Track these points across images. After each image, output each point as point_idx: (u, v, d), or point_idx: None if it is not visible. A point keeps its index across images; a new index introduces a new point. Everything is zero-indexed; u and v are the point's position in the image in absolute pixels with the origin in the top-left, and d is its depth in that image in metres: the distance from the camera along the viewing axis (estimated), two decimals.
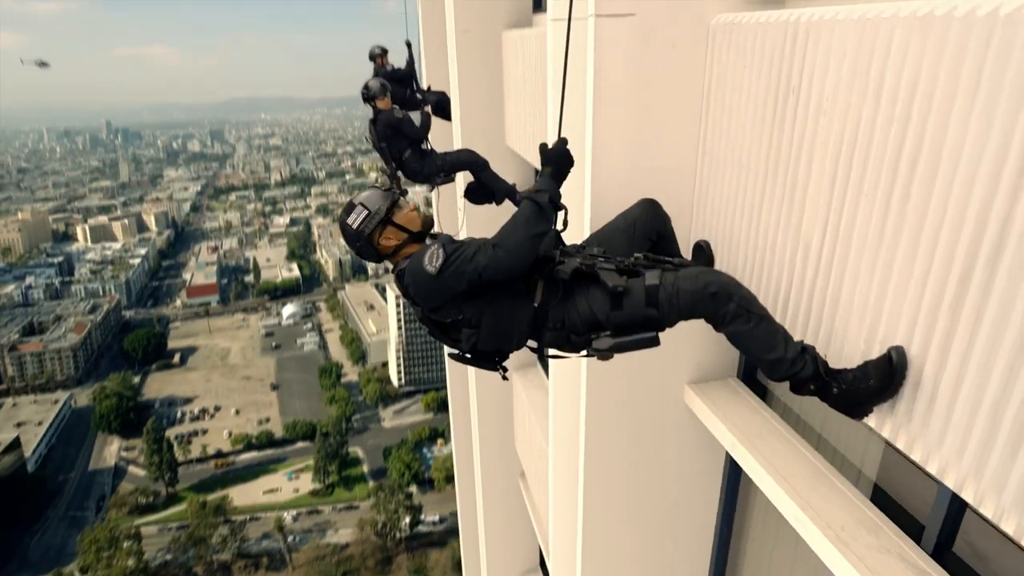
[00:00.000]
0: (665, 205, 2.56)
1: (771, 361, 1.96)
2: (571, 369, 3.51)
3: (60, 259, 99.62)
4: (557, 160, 2.05)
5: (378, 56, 7.48)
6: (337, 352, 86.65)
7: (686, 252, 2.87)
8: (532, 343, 2.18)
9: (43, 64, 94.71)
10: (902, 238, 1.75)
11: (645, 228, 2.37)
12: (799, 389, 1.97)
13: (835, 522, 2.37)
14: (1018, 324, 1.46)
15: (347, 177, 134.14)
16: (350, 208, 2.14)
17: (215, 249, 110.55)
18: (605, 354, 2.02)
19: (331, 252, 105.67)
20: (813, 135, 2.04)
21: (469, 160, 5.15)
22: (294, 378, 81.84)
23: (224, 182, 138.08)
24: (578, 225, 2.75)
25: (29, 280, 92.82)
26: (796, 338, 2.04)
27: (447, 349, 2.27)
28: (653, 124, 2.72)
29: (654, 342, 2.01)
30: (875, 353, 1.88)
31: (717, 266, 2.74)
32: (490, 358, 2.18)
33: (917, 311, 1.73)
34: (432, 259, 1.96)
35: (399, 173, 5.24)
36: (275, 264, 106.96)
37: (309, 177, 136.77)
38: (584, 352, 2.10)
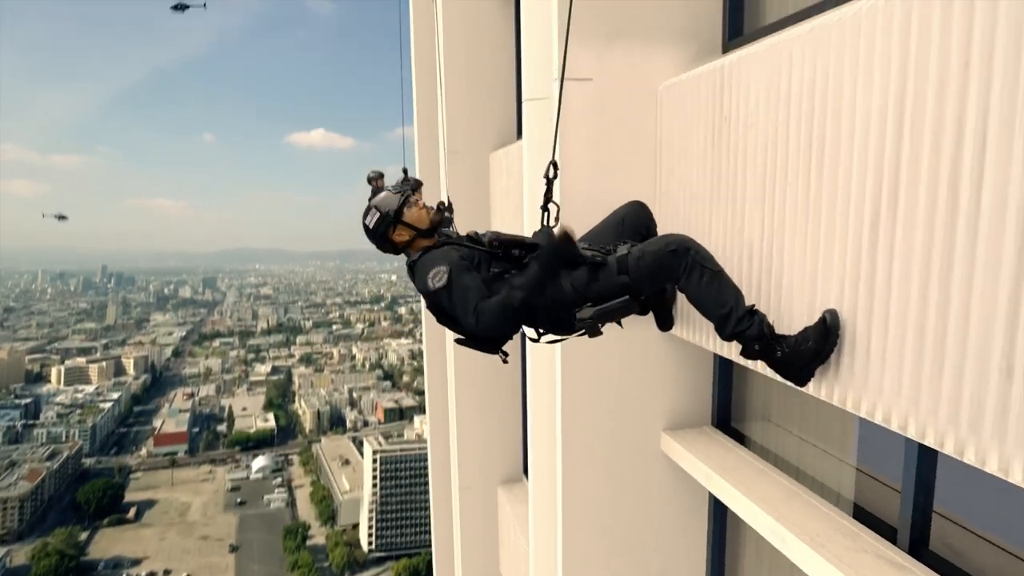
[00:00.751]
0: None
1: (721, 316, 2.09)
2: (546, 429, 3.53)
3: (28, 400, 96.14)
4: (542, 251, 2.21)
5: (374, 179, 8.14)
6: (306, 511, 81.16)
7: None
8: (531, 333, 2.32)
9: (62, 217, 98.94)
10: (822, 212, 1.99)
11: (635, 223, 2.57)
12: (747, 350, 2.08)
13: (811, 530, 2.34)
14: (919, 265, 1.66)
15: (334, 327, 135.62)
16: (367, 211, 2.39)
17: (190, 396, 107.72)
18: (589, 325, 2.15)
19: (310, 403, 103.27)
20: (744, 148, 2.37)
21: None
22: (256, 538, 75.61)
23: (210, 328, 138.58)
24: None
25: None
26: None
27: (452, 335, 2.40)
28: (614, 172, 3.08)
29: (628, 306, 2.15)
30: (814, 319, 2.03)
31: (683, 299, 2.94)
32: (493, 341, 2.31)
33: (842, 275, 1.93)
34: (435, 279, 2.16)
35: None
36: (251, 413, 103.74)
37: (296, 326, 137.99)
38: (576, 332, 2.22)
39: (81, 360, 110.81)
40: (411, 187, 2.38)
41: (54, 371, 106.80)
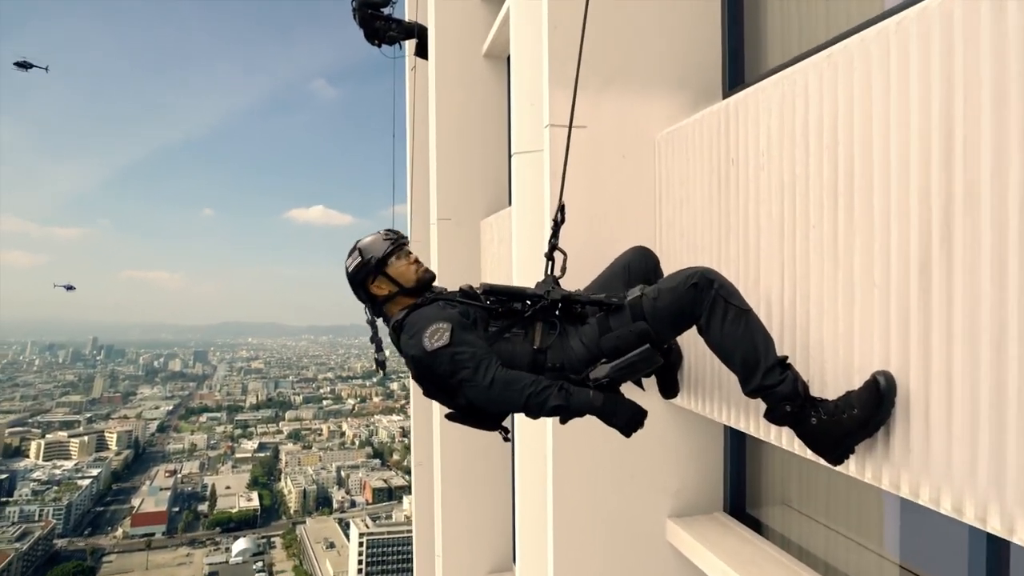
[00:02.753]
0: None
1: (747, 365, 1.75)
2: (536, 515, 3.10)
3: (3, 476, 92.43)
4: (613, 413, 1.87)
5: None
6: None
7: None
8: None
9: (70, 288, 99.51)
10: (855, 257, 1.70)
11: (640, 269, 2.27)
12: (774, 411, 1.72)
13: None
14: (988, 313, 1.35)
15: (324, 403, 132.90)
16: (351, 250, 2.10)
17: (172, 473, 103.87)
18: (604, 385, 1.81)
19: (296, 481, 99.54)
20: (756, 191, 2.11)
21: None
22: None
23: (198, 402, 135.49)
24: None
25: None
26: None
27: (443, 409, 2.05)
28: (610, 224, 2.82)
29: (651, 357, 1.80)
30: (855, 384, 1.69)
31: (691, 368, 2.59)
32: (491, 416, 1.98)
33: (886, 330, 1.61)
34: (434, 337, 1.84)
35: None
36: (235, 492, 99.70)
37: (285, 401, 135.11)
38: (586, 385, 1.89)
39: (63, 434, 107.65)
40: (403, 240, 2.10)
41: (33, 445, 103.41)
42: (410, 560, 7.78)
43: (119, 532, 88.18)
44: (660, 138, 2.82)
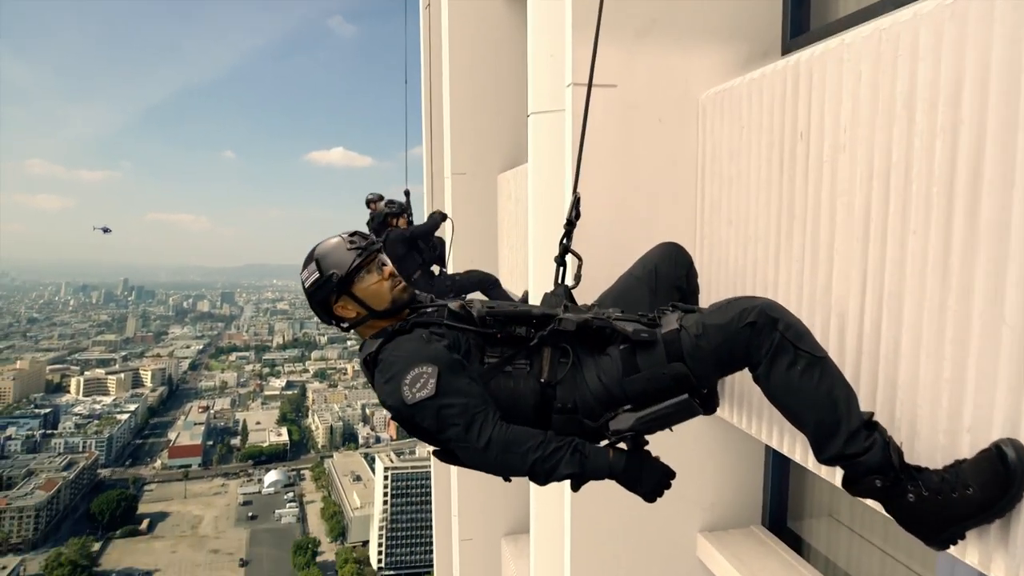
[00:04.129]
0: None
1: (824, 428, 1.37)
2: (552, 527, 2.83)
3: (47, 411, 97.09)
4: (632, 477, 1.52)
5: (373, 202, 7.66)
6: (316, 526, 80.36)
7: None
8: None
9: (107, 230, 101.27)
10: (976, 281, 1.28)
11: (669, 274, 1.87)
12: (857, 484, 1.35)
13: None
14: None
15: (348, 343, 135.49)
16: (307, 259, 1.68)
17: (205, 409, 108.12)
18: (629, 438, 1.46)
19: (323, 418, 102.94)
20: (833, 177, 1.67)
21: (479, 280, 4.91)
22: (266, 553, 74.91)
23: (227, 342, 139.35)
24: None
25: (10, 431, 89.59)
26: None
27: (429, 447, 1.72)
28: (642, 204, 2.40)
29: (689, 408, 1.45)
30: (964, 449, 1.31)
31: (735, 381, 2.21)
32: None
33: (1021, 384, 1.21)
34: (416, 386, 1.46)
35: None
36: (265, 427, 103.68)
37: (311, 341, 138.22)
38: (605, 442, 1.54)
39: (100, 371, 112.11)
40: (374, 247, 1.67)
41: (73, 382, 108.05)
42: (431, 493, 7.74)
43: (158, 463, 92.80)
44: (705, 100, 2.35)
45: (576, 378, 1.57)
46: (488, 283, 4.87)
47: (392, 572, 69.65)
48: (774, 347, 1.36)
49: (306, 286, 1.66)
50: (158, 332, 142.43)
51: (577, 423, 1.56)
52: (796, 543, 2.56)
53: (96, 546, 72.32)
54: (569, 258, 1.88)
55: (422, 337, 1.54)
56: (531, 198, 2.97)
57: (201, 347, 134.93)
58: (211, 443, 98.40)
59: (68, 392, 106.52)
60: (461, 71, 6.12)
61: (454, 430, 1.44)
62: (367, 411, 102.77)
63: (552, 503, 2.79)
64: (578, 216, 1.87)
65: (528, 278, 5.10)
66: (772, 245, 1.94)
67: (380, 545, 71.33)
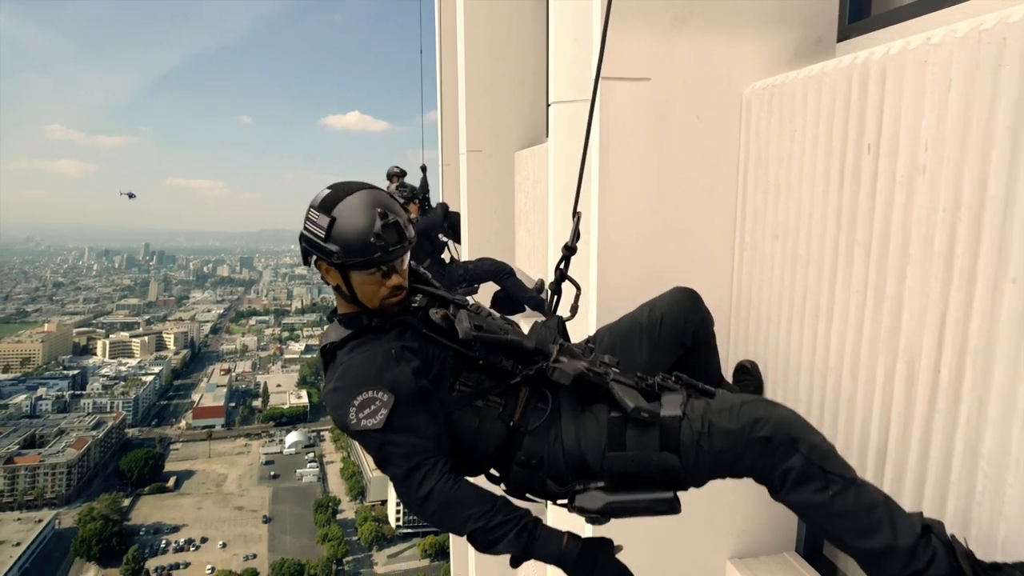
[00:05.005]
0: None
1: (871, 552, 1.20)
2: None
3: (76, 372, 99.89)
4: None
5: (395, 175, 7.47)
6: (336, 486, 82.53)
7: (726, 375, 2.18)
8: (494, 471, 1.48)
9: (132, 196, 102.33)
10: None
11: (676, 329, 1.69)
12: None
13: None
14: None
15: None
16: (328, 202, 1.37)
17: (227, 372, 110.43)
18: (594, 518, 1.31)
19: None
20: (907, 204, 1.43)
21: (492, 269, 4.70)
22: (288, 511, 77.29)
23: (247, 306, 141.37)
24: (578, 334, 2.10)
25: (41, 391, 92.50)
26: (908, 508, 1.29)
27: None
28: (675, 211, 2.17)
29: (670, 506, 1.31)
30: None
31: (769, 398, 2.03)
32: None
33: None
34: (363, 412, 1.29)
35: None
36: (285, 390, 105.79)
37: (329, 306, 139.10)
38: (565, 504, 1.38)
39: (125, 334, 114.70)
40: (396, 254, 1.41)
41: (99, 344, 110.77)
42: None
43: (182, 424, 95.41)
44: (750, 95, 2.09)
45: (551, 431, 1.39)
46: (502, 272, 4.66)
47: (409, 530, 71.62)
48: (798, 473, 1.20)
49: (306, 228, 1.40)
50: (180, 296, 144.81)
51: (538, 481, 1.39)
52: (832, 572, 2.40)
53: (126, 502, 75.08)
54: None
55: (391, 353, 1.35)
56: (551, 196, 2.75)
57: (222, 311, 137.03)
58: (233, 405, 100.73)
59: (95, 354, 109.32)
60: (477, 43, 5.80)
61: (394, 470, 1.29)
62: None
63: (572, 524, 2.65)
64: (578, 238, 1.66)
65: (547, 274, 4.91)
66: (827, 270, 1.72)
67: (398, 505, 73.23)
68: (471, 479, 1.37)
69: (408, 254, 1.44)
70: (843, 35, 2.12)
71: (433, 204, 7.58)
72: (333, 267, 1.41)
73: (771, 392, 2.01)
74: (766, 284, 2.02)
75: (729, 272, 2.21)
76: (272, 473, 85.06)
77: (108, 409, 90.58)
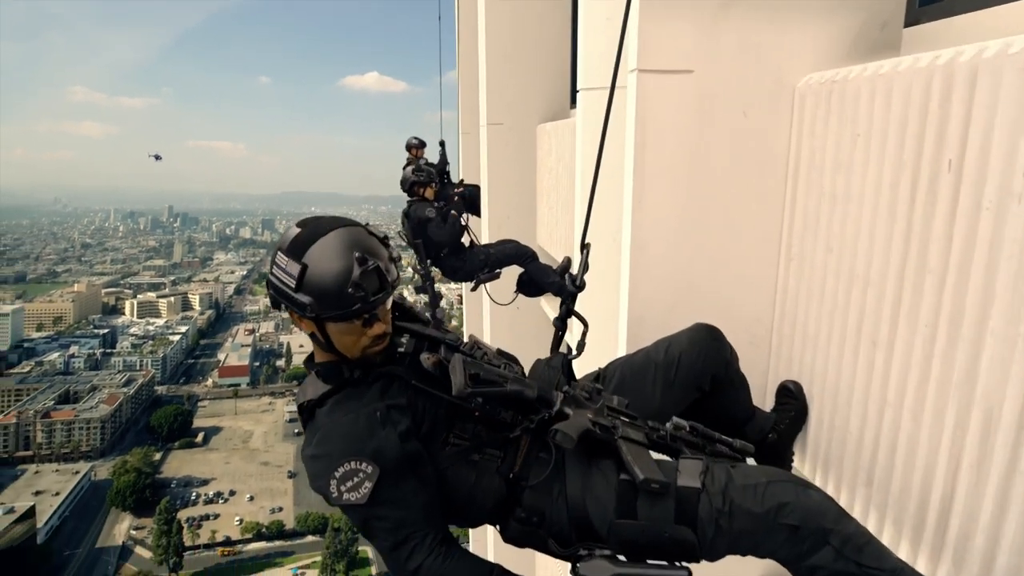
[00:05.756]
0: (733, 328, 1.76)
1: None
2: None
3: (106, 331, 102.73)
4: None
5: (415, 147, 7.27)
6: None
7: (762, 397, 2.03)
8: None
9: (158, 157, 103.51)
10: None
11: (693, 370, 1.56)
12: None
13: None
14: None
15: None
16: (297, 246, 1.24)
17: (251, 332, 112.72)
18: None
19: None
20: (996, 235, 1.25)
21: (515, 253, 4.54)
22: None
23: (269, 268, 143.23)
24: (607, 354, 1.96)
25: (73, 349, 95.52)
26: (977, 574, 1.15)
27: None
28: (716, 215, 1.99)
29: None
30: None
31: (814, 426, 1.87)
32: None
33: None
34: (346, 484, 1.18)
35: (433, 271, 4.61)
36: (307, 350, 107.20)
37: None
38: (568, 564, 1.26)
39: (152, 295, 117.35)
40: (376, 303, 1.27)
41: (128, 304, 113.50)
42: None
43: (209, 382, 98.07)
44: (804, 88, 1.88)
45: (554, 487, 1.26)
46: (525, 256, 4.50)
47: None
48: (829, 572, 1.09)
49: (273, 274, 1.26)
50: (203, 258, 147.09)
51: (539, 539, 1.28)
52: None
53: (157, 456, 77.95)
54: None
55: (375, 415, 1.22)
56: (578, 188, 2.57)
57: (245, 273, 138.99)
58: (258, 364, 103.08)
59: (123, 314, 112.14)
60: (499, 10, 5.51)
61: (381, 544, 1.18)
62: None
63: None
64: (586, 269, 1.50)
65: (573, 266, 4.74)
66: (890, 296, 1.54)
67: None
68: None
69: (391, 298, 1.29)
70: (912, 19, 1.88)
71: (453, 178, 7.41)
72: (305, 317, 1.27)
73: (816, 420, 1.86)
74: (815, 300, 1.84)
75: (772, 282, 2.04)
76: (296, 430, 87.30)
77: (138, 367, 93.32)
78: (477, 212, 6.49)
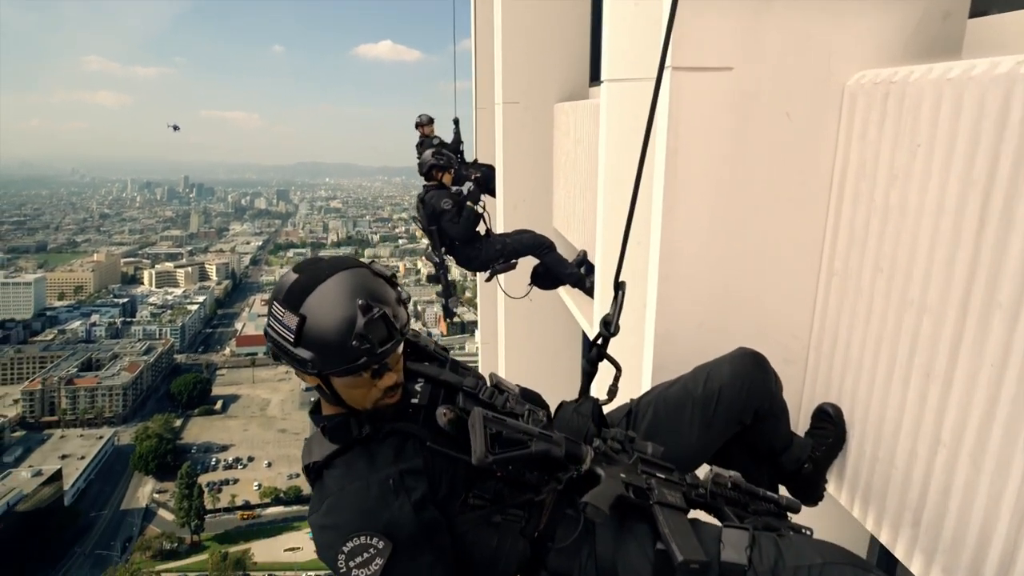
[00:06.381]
0: (768, 344, 1.63)
1: None
2: None
3: (125, 300, 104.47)
4: None
5: (424, 124, 7.08)
6: None
7: (795, 416, 1.90)
8: None
9: (176, 128, 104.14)
10: None
11: (735, 406, 1.43)
12: None
13: None
14: None
15: (400, 242, 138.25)
16: (293, 295, 1.13)
17: (267, 302, 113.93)
18: None
19: None
20: None
21: (531, 243, 4.39)
22: None
23: (284, 239, 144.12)
24: (632, 372, 1.83)
25: (94, 318, 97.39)
26: None
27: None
28: (752, 222, 1.84)
29: None
30: None
31: (854, 454, 1.74)
32: None
33: None
34: (353, 559, 1.08)
35: (447, 260, 4.48)
36: None
37: (364, 239, 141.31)
38: None
39: (169, 265, 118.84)
40: (384, 355, 1.16)
41: (146, 274, 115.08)
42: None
43: (227, 351, 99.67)
44: (855, 87, 1.70)
45: (583, 548, 1.15)
46: (542, 247, 4.35)
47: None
48: None
49: (271, 326, 1.14)
50: (219, 228, 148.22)
51: None
52: None
53: (177, 422, 79.85)
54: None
55: (388, 483, 1.11)
56: (601, 189, 2.42)
57: (260, 243, 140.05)
58: None
59: (142, 284, 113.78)
60: None
61: None
62: (418, 307, 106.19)
63: None
64: (620, 311, 1.37)
65: (587, 245, 4.57)
66: (950, 327, 1.39)
67: None
68: None
69: (401, 345, 1.17)
70: (979, 10, 1.69)
71: (467, 157, 7.22)
72: (308, 374, 1.16)
73: (856, 448, 1.73)
74: (860, 322, 1.70)
75: (811, 297, 1.89)
76: (312, 399, 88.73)
77: (157, 336, 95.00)
78: (492, 192, 6.33)
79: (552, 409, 1.39)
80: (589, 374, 1.43)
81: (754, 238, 1.85)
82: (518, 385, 1.36)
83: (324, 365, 1.11)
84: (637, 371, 1.93)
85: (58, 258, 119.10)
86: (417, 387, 1.25)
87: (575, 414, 1.32)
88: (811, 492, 1.72)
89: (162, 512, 66.58)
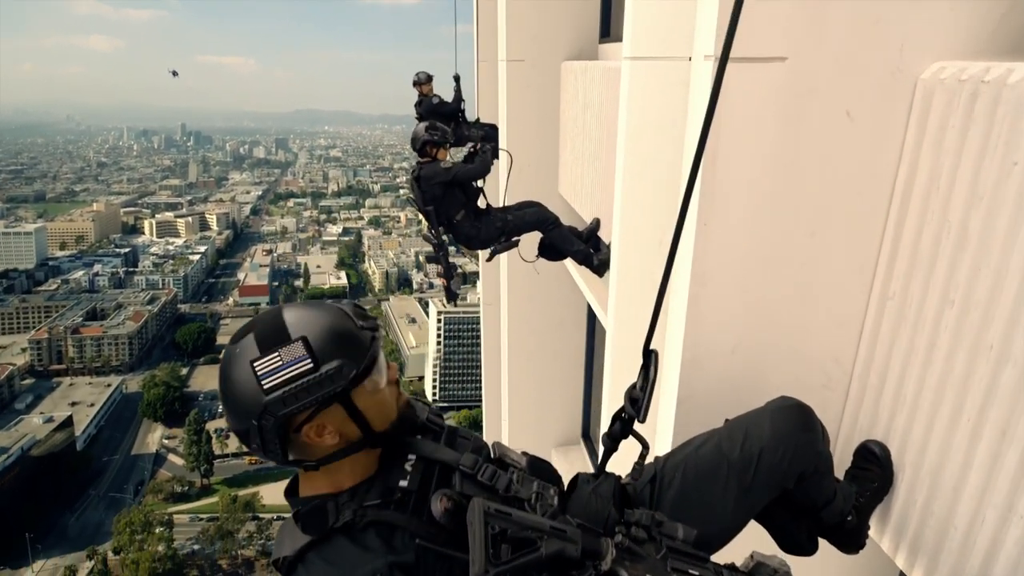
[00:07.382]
0: (806, 367, 1.43)
1: None
2: None
3: (127, 250, 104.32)
4: None
5: (423, 83, 6.67)
6: None
7: (835, 454, 1.71)
8: None
9: (175, 73, 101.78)
10: None
11: (777, 472, 1.25)
12: None
13: None
14: None
15: (401, 192, 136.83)
16: (275, 336, 0.97)
17: (269, 252, 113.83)
18: None
19: (379, 264, 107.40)
20: None
21: (535, 220, 4.10)
22: None
23: (284, 188, 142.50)
24: (651, 423, 1.63)
25: (97, 268, 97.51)
26: None
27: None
28: (798, 237, 1.60)
29: None
30: None
31: (902, 501, 1.56)
32: None
33: None
34: None
35: (446, 239, 4.20)
36: (324, 271, 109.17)
37: (365, 189, 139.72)
38: None
39: (170, 215, 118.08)
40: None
41: (147, 224, 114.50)
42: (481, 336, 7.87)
43: (230, 300, 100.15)
44: (932, 81, 1.43)
45: None
46: (546, 223, 4.08)
47: (445, 404, 75.98)
48: None
49: (272, 383, 0.95)
50: (219, 178, 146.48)
51: None
52: None
53: (184, 370, 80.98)
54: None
55: (381, 562, 0.95)
56: (620, 183, 2.16)
57: (260, 193, 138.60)
58: (276, 284, 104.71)
59: (143, 233, 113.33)
60: None
61: None
62: (420, 258, 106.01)
63: None
64: (654, 379, 1.16)
65: (597, 212, 4.30)
66: None
67: (434, 381, 77.25)
68: None
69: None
70: None
71: (469, 117, 6.83)
72: (335, 401, 0.98)
73: (905, 496, 1.55)
74: (918, 356, 1.48)
75: (859, 320, 1.67)
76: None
77: (160, 286, 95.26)
78: (496, 153, 6.01)
79: (565, 483, 1.20)
80: (609, 450, 1.24)
81: (799, 251, 1.62)
82: (525, 454, 1.16)
83: (356, 359, 1.00)
84: (658, 402, 1.73)
85: (57, 208, 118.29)
86: (407, 467, 1.06)
87: (593, 495, 1.14)
88: (853, 542, 1.56)
89: (172, 457, 68.39)
